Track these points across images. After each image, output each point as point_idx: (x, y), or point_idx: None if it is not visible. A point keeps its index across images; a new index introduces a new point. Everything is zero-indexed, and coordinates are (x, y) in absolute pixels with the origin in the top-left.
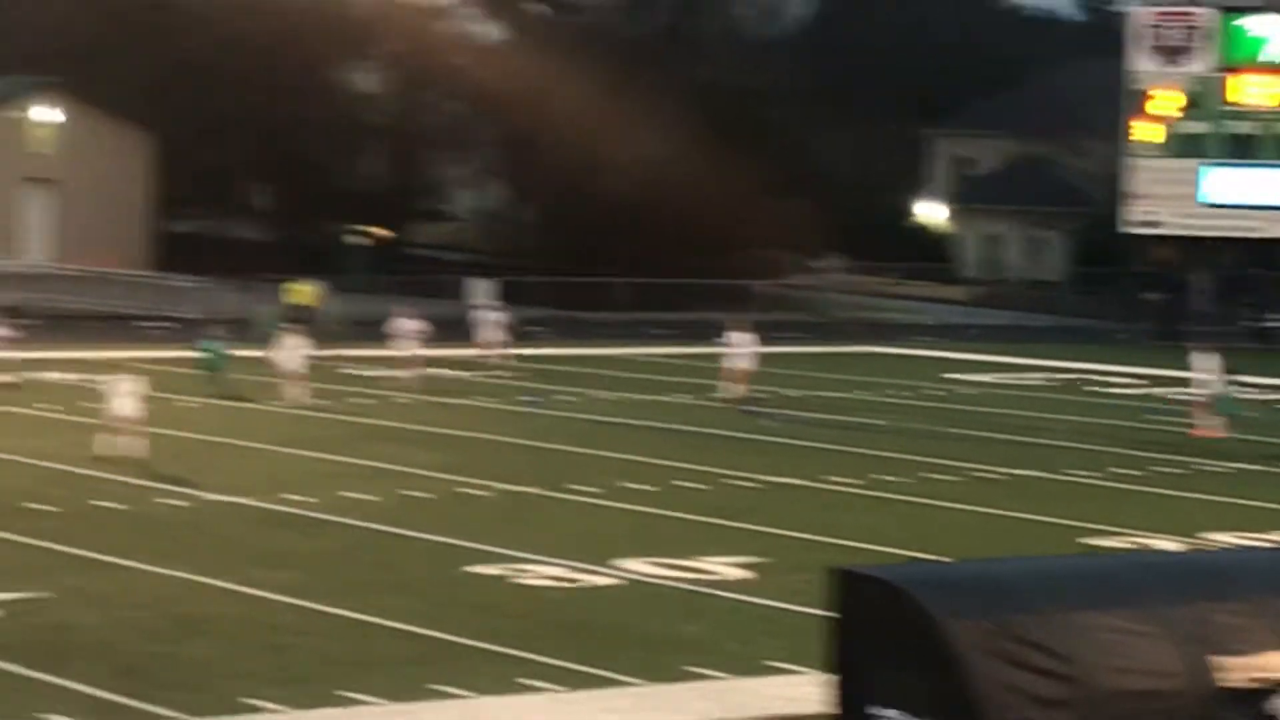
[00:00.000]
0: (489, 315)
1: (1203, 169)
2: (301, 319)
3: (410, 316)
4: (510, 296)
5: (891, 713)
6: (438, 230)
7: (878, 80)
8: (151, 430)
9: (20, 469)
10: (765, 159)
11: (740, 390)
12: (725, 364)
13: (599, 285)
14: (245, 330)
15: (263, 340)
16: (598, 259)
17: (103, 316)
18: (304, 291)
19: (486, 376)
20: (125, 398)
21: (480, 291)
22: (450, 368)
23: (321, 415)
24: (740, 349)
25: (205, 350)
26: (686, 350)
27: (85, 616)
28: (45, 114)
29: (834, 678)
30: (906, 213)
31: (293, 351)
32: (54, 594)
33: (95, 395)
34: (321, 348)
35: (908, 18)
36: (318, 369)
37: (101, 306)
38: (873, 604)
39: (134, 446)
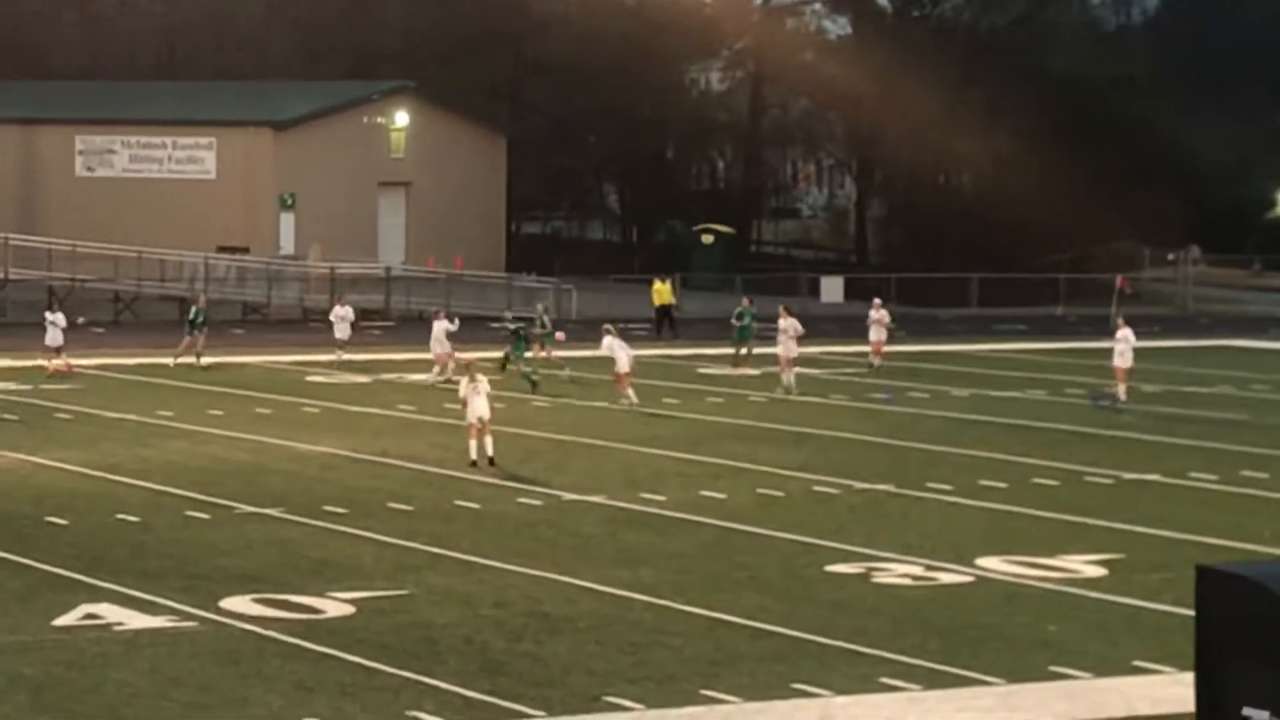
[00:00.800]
0: (874, 315)
1: None
2: (665, 316)
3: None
4: (858, 293)
5: (1260, 713)
6: (787, 227)
7: (1234, 68)
8: (509, 430)
9: (384, 469)
10: (1120, 150)
11: (1122, 387)
12: (1117, 362)
13: (948, 281)
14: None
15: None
16: (946, 254)
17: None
18: (664, 290)
19: (838, 375)
20: (484, 399)
21: (834, 290)
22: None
23: (673, 415)
24: (1124, 344)
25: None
26: (1039, 346)
27: (447, 615)
28: (400, 118)
29: (1200, 677)
30: (1267, 202)
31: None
32: (416, 592)
33: (451, 395)
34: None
35: (1262, 4)
36: (673, 368)
37: (455, 308)
38: (1239, 602)
39: (491, 447)
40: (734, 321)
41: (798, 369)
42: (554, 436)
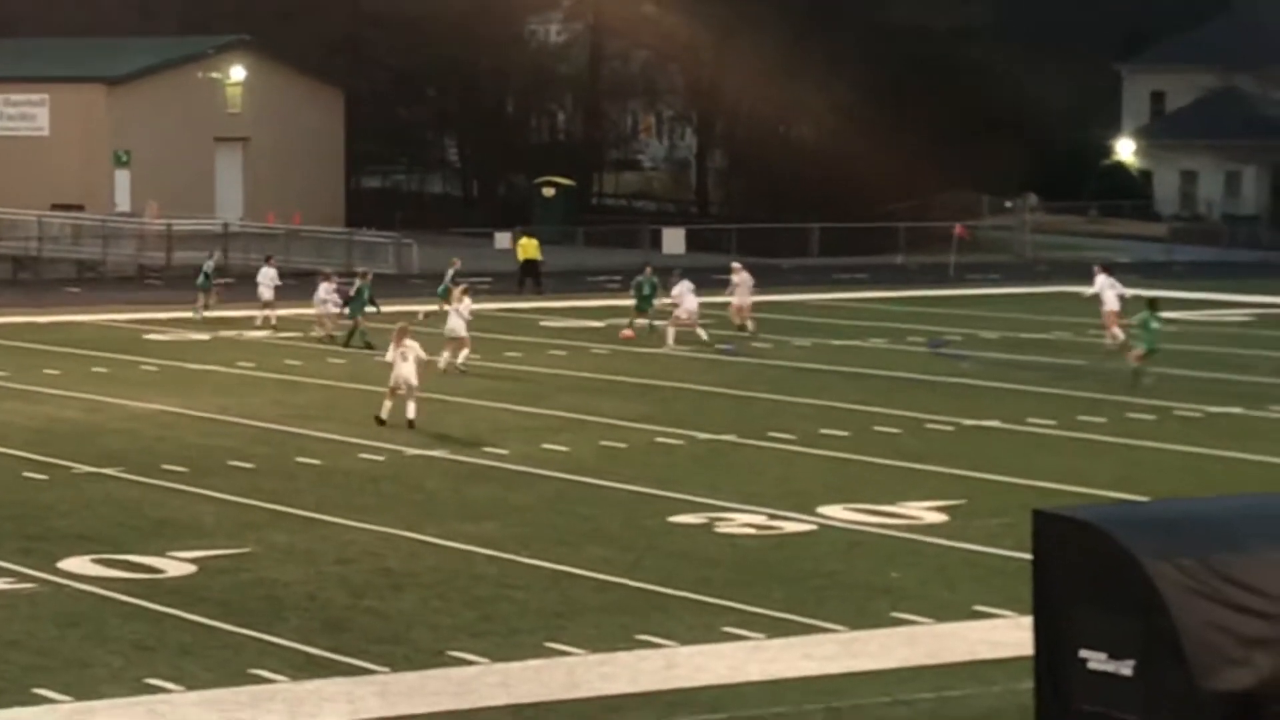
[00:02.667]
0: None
1: None
2: (530, 273)
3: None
4: (701, 245)
5: (1097, 654)
6: (628, 180)
7: (1068, 17)
8: (352, 386)
9: (224, 427)
10: (960, 100)
11: (1118, 337)
12: (1105, 308)
13: (790, 231)
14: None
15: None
16: (788, 205)
17: (294, 273)
18: (531, 245)
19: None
20: (413, 363)
21: (676, 242)
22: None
23: (515, 368)
24: (1110, 290)
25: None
26: (880, 294)
27: (289, 573)
28: (237, 72)
29: (1037, 621)
30: (1103, 150)
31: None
32: (258, 550)
33: (292, 352)
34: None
35: None
36: (516, 321)
37: (293, 263)
38: (1075, 546)
39: (414, 410)
40: (635, 292)
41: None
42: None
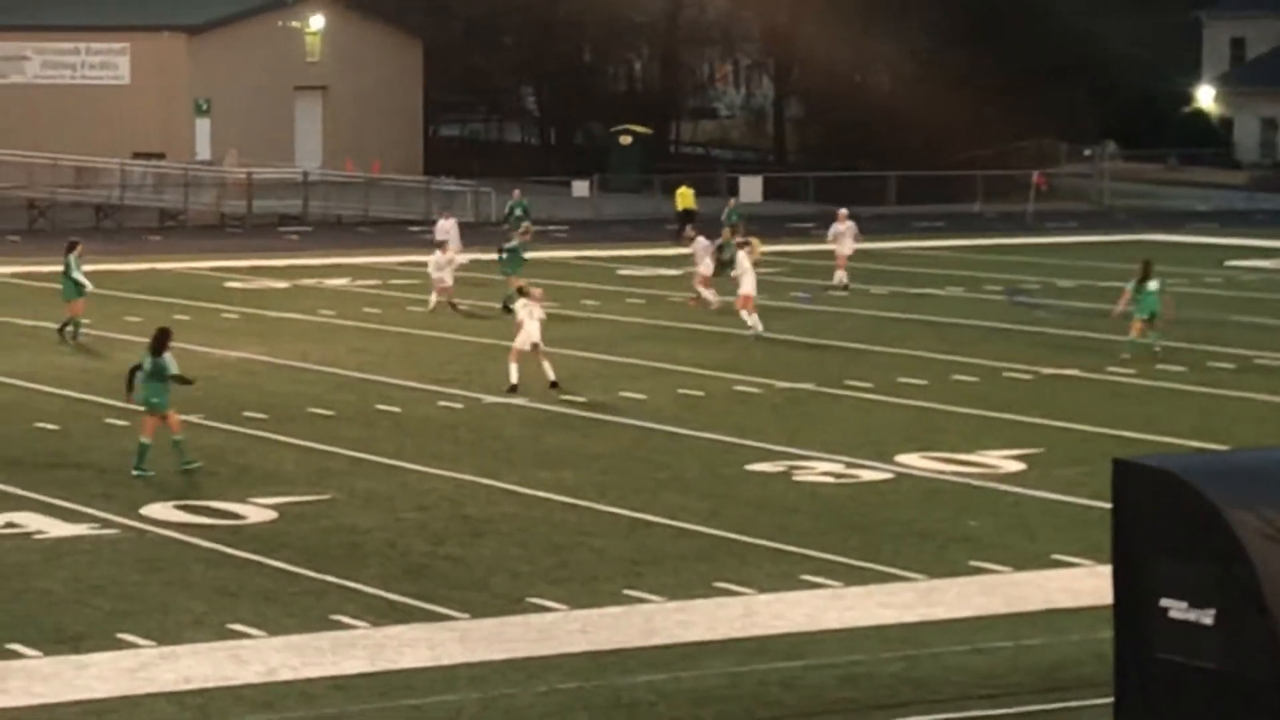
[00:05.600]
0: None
1: None
2: (687, 222)
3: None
4: (777, 193)
5: (1176, 604)
6: (705, 128)
7: None
8: (431, 334)
9: (304, 374)
10: (1037, 47)
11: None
12: None
13: (866, 179)
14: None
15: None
16: (864, 153)
17: (373, 222)
18: (687, 195)
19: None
20: (538, 323)
21: (753, 190)
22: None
23: (592, 316)
24: None
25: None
26: (957, 242)
27: (369, 519)
28: (316, 21)
29: (1117, 570)
30: (1182, 98)
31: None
32: (338, 496)
33: (372, 300)
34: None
35: None
36: (592, 270)
37: (372, 212)
38: (1155, 495)
39: (551, 371)
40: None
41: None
42: (475, 340)
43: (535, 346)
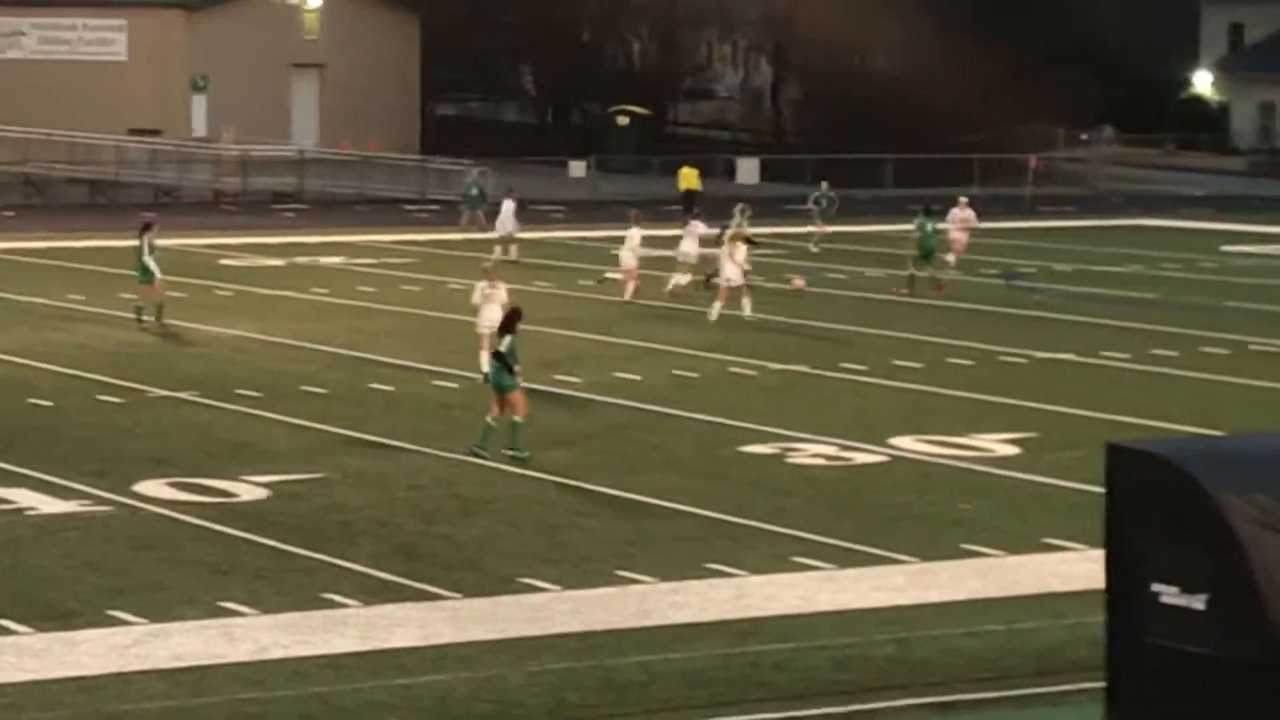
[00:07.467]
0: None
1: None
2: (688, 203)
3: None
4: (774, 175)
5: (1169, 589)
6: (703, 109)
7: None
8: (425, 313)
9: (298, 352)
10: (1035, 31)
11: None
12: None
13: (864, 162)
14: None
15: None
16: (862, 136)
17: (369, 200)
18: (691, 175)
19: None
20: (499, 306)
21: (750, 172)
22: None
23: (587, 296)
24: None
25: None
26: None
27: (362, 498)
28: None
29: (1109, 554)
30: (1179, 83)
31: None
32: (330, 475)
33: (366, 279)
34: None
35: None
36: (587, 250)
37: (368, 190)
38: (1148, 480)
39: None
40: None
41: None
42: (471, 319)
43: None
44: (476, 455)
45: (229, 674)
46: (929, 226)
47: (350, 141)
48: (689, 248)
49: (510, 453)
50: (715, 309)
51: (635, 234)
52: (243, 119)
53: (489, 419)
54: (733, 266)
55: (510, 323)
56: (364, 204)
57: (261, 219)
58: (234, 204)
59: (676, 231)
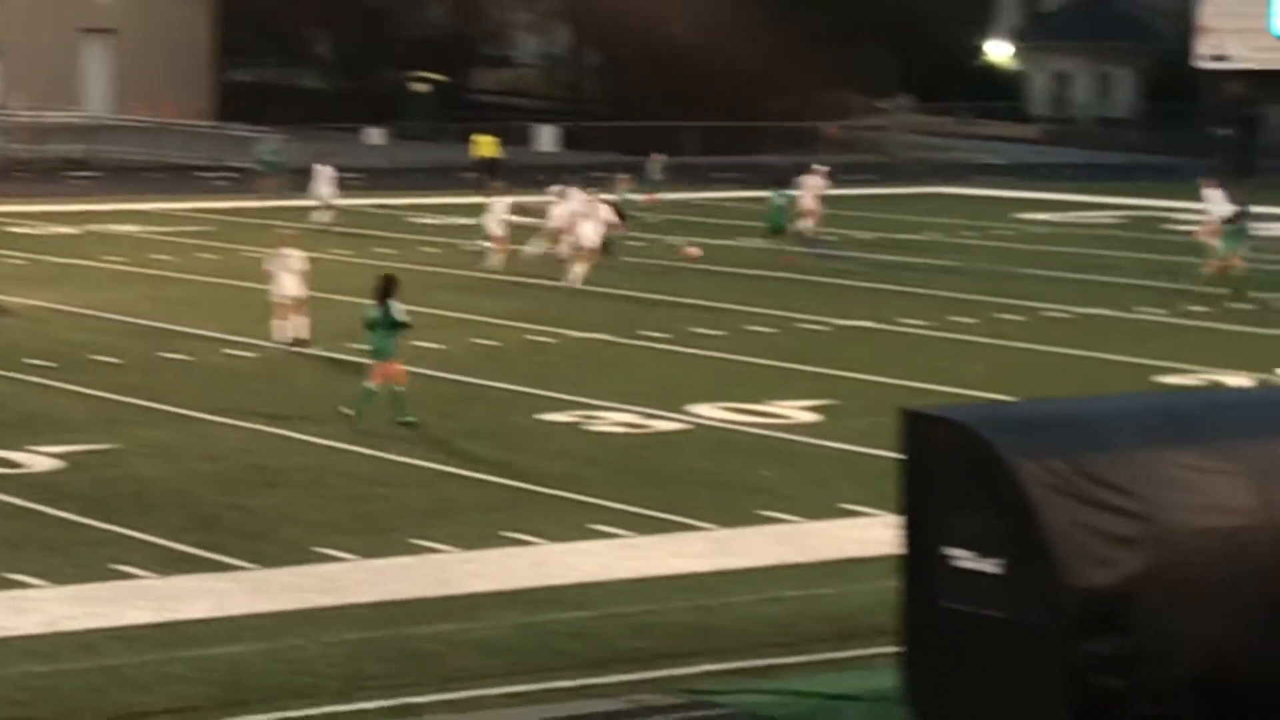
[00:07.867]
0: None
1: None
2: (487, 170)
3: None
4: (575, 142)
5: (963, 553)
6: (501, 76)
7: None
8: (222, 282)
9: (91, 322)
10: (838, 0)
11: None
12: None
13: (664, 130)
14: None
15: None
16: (663, 103)
17: (164, 167)
18: (488, 143)
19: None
20: (292, 275)
21: (549, 139)
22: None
23: (388, 265)
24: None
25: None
26: (754, 194)
27: (157, 469)
28: None
29: (905, 520)
30: (975, 51)
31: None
32: (125, 446)
33: (162, 247)
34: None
35: None
36: (387, 218)
37: (162, 157)
38: (943, 445)
39: (301, 326)
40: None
41: None
42: (266, 288)
43: (294, 300)
44: (348, 419)
45: (17, 647)
46: (779, 200)
47: (144, 107)
48: (563, 217)
49: (406, 419)
50: (578, 271)
51: (500, 203)
52: (32, 85)
53: (369, 384)
54: (591, 228)
55: (388, 288)
56: (159, 171)
57: (54, 186)
58: (25, 171)
59: (478, 200)
